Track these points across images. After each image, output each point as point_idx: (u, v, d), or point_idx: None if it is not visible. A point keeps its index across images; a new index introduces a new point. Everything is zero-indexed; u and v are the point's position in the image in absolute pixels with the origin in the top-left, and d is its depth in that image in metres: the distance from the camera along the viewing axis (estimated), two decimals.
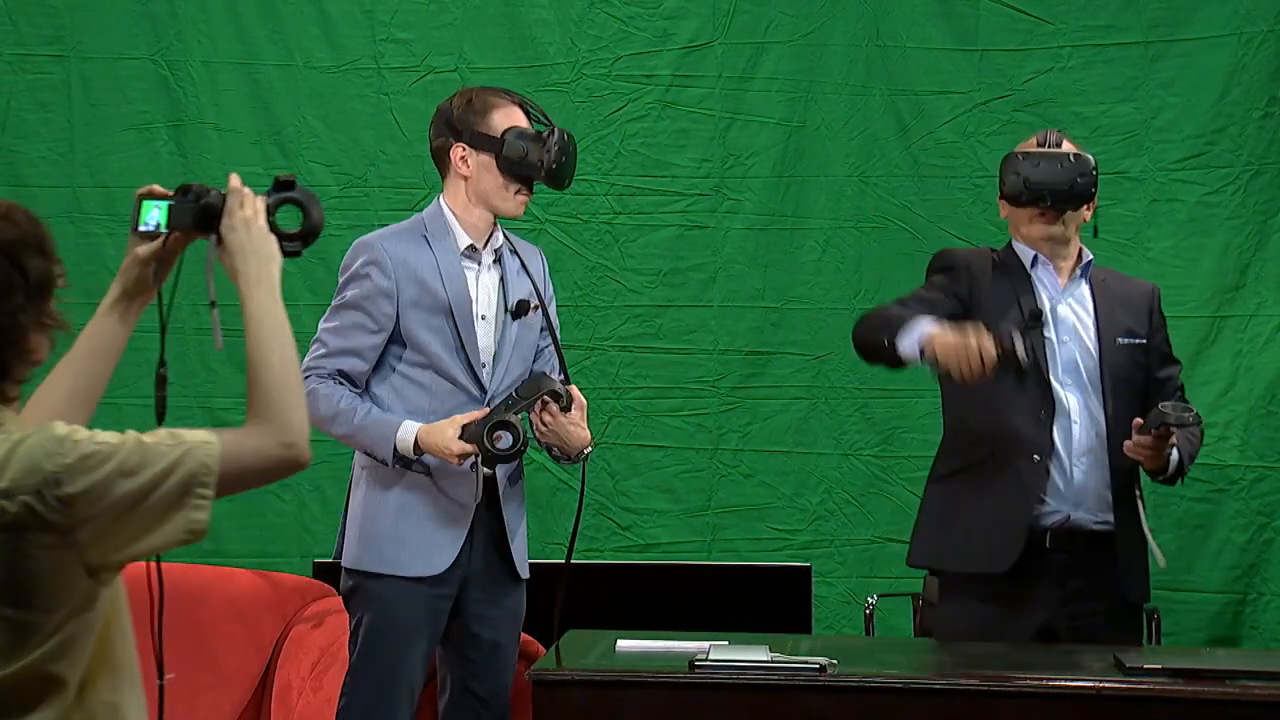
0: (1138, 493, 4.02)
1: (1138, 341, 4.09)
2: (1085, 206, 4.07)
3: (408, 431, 3.75)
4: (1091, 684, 3.37)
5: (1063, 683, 3.39)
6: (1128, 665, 3.44)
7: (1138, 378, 4.08)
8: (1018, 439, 3.96)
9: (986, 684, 3.39)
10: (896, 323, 3.84)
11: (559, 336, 3.99)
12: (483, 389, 3.84)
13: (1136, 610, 4.10)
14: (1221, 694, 3.34)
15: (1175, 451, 3.97)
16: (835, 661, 3.42)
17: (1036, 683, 3.39)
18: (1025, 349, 3.73)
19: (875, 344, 3.89)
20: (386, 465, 3.78)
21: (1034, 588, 3.95)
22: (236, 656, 4.66)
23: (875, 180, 5.35)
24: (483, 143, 3.84)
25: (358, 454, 3.89)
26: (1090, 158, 4.03)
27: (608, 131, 5.36)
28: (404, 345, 3.81)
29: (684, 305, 5.38)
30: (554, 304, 4.05)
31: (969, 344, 3.69)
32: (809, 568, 5.05)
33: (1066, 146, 4.07)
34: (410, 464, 3.79)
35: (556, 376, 3.94)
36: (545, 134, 3.84)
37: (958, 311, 3.98)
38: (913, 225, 5.30)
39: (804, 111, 5.37)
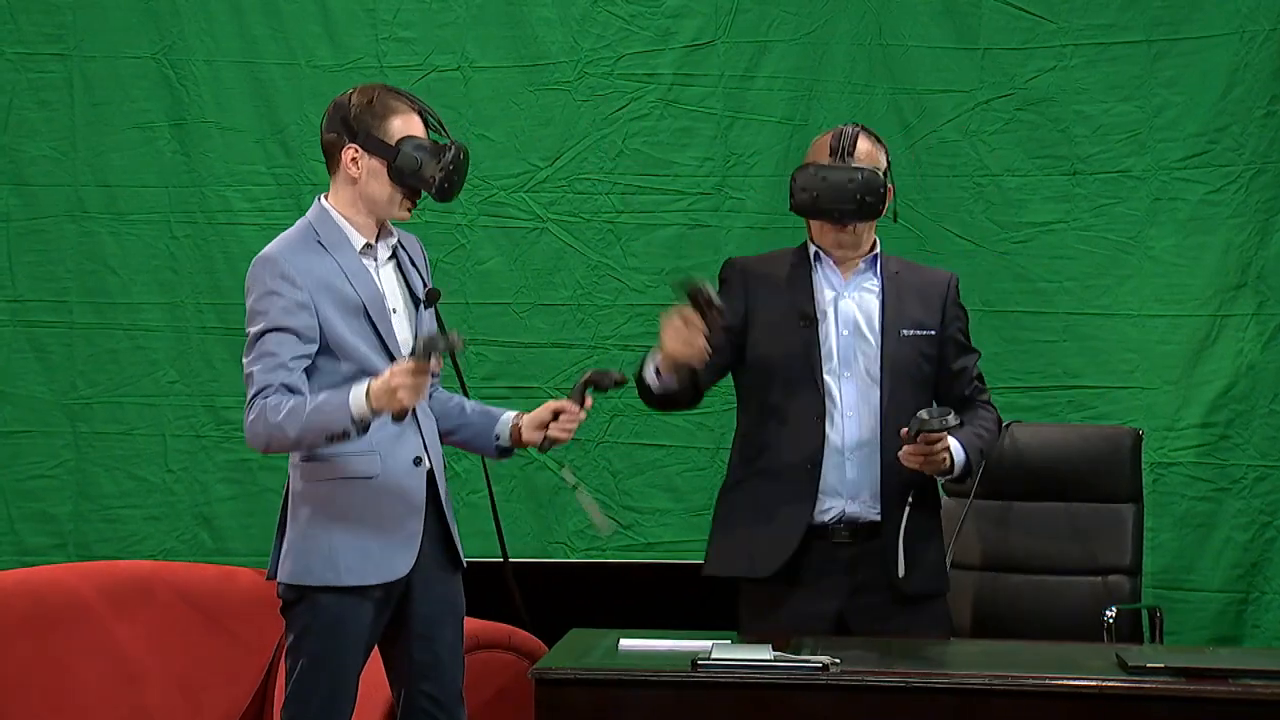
0: (910, 493, 4.01)
1: (925, 333, 4.08)
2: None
3: (359, 388, 3.59)
4: (1093, 683, 3.37)
5: (1064, 682, 3.39)
6: (1130, 664, 3.44)
7: (924, 369, 4.08)
8: (792, 443, 4.01)
9: (987, 683, 3.39)
10: (641, 367, 4.00)
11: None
12: None
13: (933, 602, 4.09)
14: (1224, 693, 3.33)
15: (957, 451, 3.97)
16: (838, 661, 3.42)
17: (1038, 682, 3.39)
18: (700, 288, 3.80)
19: (642, 394, 4.01)
20: (349, 438, 3.62)
21: (823, 579, 3.99)
22: (237, 655, 4.67)
23: None
24: (376, 148, 3.72)
25: (293, 472, 3.76)
26: (878, 172, 4.02)
27: (610, 130, 5.36)
28: (332, 356, 3.70)
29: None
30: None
31: (673, 323, 3.81)
32: None
33: (862, 146, 4.05)
34: (366, 427, 3.63)
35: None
36: (444, 148, 3.74)
37: (733, 324, 4.06)
38: (915, 224, 5.29)
39: (806, 110, 5.37)
